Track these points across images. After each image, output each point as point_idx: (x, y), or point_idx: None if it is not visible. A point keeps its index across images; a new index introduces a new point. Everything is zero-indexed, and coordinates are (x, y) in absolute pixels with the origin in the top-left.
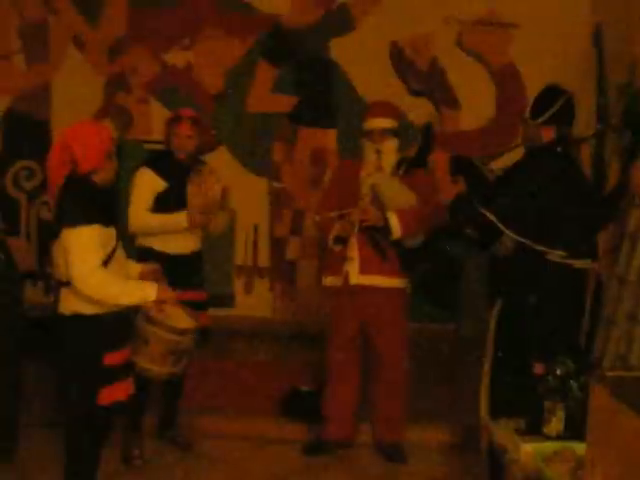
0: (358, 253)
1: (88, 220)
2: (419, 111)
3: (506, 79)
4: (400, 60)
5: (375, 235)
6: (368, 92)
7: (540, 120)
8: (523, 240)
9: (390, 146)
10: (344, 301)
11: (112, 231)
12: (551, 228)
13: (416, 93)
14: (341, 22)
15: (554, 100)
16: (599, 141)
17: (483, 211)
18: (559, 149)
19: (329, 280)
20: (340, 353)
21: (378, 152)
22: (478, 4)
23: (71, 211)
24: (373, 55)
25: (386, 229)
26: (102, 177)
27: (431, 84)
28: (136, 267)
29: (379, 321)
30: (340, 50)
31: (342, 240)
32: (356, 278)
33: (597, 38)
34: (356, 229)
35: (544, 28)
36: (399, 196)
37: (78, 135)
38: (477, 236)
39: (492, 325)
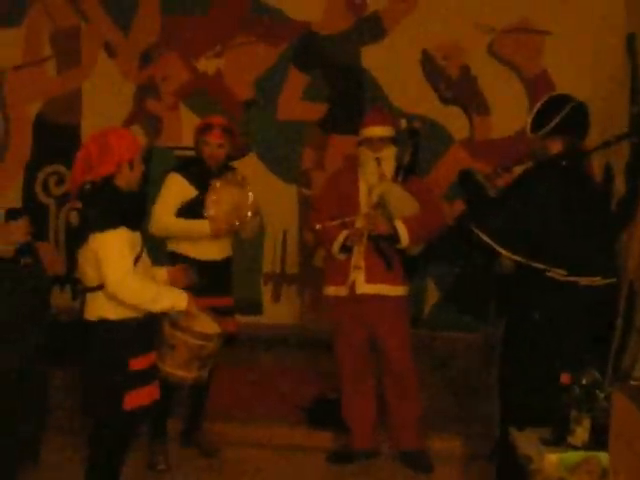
0: (364, 262)
1: (114, 224)
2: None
3: (538, 87)
4: (431, 68)
5: (381, 243)
6: (399, 100)
7: (541, 132)
8: (519, 259)
9: (389, 154)
10: (349, 310)
11: (138, 235)
12: (550, 245)
13: (447, 101)
14: (372, 29)
15: (557, 110)
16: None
17: (476, 231)
18: (564, 162)
19: (332, 290)
20: (349, 363)
21: (378, 160)
22: (510, 12)
23: (96, 217)
24: (404, 63)
25: (394, 237)
26: (124, 182)
27: (462, 92)
28: (161, 272)
29: (385, 327)
30: (371, 57)
31: (347, 249)
32: (362, 287)
33: (631, 48)
34: (365, 238)
35: (577, 37)
36: (405, 204)
37: (98, 139)
38: (478, 254)
39: (498, 340)
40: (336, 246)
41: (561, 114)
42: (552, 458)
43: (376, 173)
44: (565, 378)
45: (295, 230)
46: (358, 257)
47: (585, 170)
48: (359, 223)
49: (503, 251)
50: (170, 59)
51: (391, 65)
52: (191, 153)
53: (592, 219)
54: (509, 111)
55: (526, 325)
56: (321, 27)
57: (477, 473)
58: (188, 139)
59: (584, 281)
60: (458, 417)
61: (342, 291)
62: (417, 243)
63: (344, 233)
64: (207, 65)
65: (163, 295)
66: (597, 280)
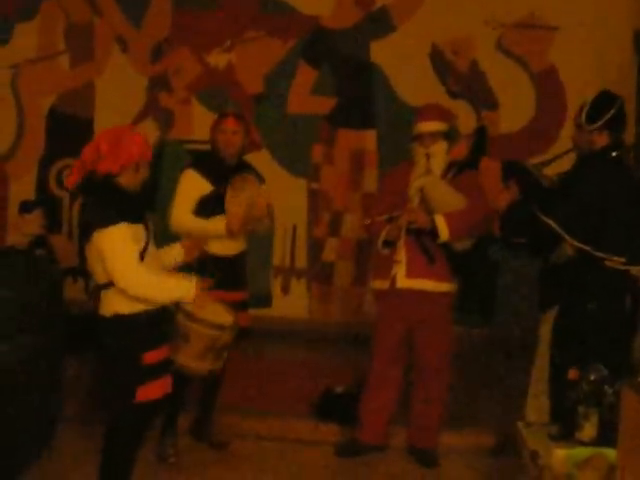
0: (405, 256)
1: (113, 220)
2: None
3: (546, 82)
4: (440, 62)
5: (422, 238)
6: (408, 94)
7: (596, 125)
8: (584, 247)
9: (439, 149)
10: (391, 305)
11: (141, 228)
12: (610, 234)
13: (455, 95)
14: (381, 24)
15: (610, 105)
16: None
17: (544, 218)
18: (614, 154)
19: (377, 283)
20: (383, 356)
21: (427, 155)
22: (519, 7)
23: (96, 213)
24: (413, 57)
25: (433, 232)
26: (126, 182)
27: (471, 86)
28: (168, 253)
29: (425, 326)
30: (380, 52)
31: (390, 243)
32: (403, 281)
33: (638, 44)
34: (403, 232)
35: (585, 32)
36: (447, 199)
37: (110, 137)
38: (530, 243)
39: (545, 332)
40: (380, 241)
41: (613, 109)
42: (560, 454)
43: (424, 168)
44: (573, 374)
45: (304, 224)
46: (399, 251)
47: (629, 163)
48: (402, 217)
49: (569, 239)
50: (182, 53)
51: (400, 59)
52: (203, 147)
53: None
54: (517, 106)
55: (580, 314)
56: (330, 22)
57: (482, 468)
58: (200, 132)
59: (635, 270)
60: (463, 412)
61: (384, 285)
62: (458, 238)
63: (386, 228)
64: (218, 59)
65: (172, 285)
66: None
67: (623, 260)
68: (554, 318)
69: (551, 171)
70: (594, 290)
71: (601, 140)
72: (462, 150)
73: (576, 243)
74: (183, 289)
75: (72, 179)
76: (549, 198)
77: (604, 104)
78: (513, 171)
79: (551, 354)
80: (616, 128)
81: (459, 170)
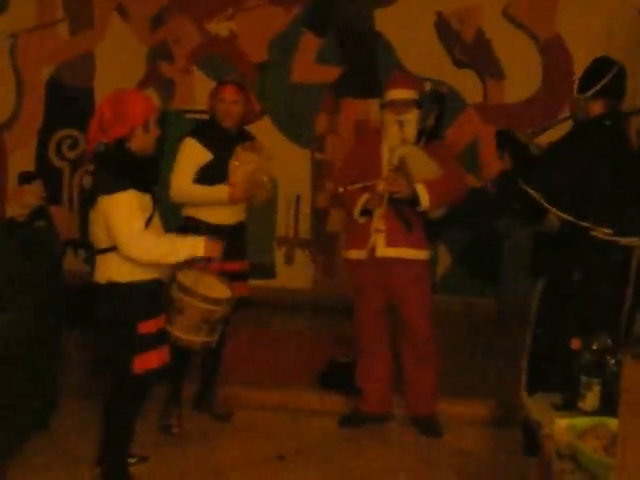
0: (385, 225)
1: (122, 186)
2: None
3: (552, 51)
4: (445, 31)
5: (400, 206)
6: (413, 63)
7: (589, 93)
8: (567, 217)
9: (412, 117)
10: (369, 274)
11: (148, 198)
12: (597, 205)
13: (461, 64)
14: None
15: (604, 73)
16: None
17: (526, 188)
18: (608, 123)
19: (353, 253)
20: (368, 326)
21: (400, 123)
22: None
23: (105, 179)
24: (418, 25)
25: (414, 201)
26: (139, 145)
27: (476, 55)
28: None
29: (405, 292)
30: (385, 20)
31: (368, 212)
32: (383, 250)
33: None
34: (385, 200)
35: (591, 1)
36: (426, 167)
37: (111, 101)
38: (522, 212)
39: (535, 301)
40: (357, 209)
41: (607, 77)
42: (562, 423)
43: (398, 136)
44: (575, 343)
45: (308, 194)
46: (378, 220)
47: (625, 132)
48: (380, 186)
49: (552, 209)
50: (182, 22)
51: (405, 28)
52: (205, 116)
53: (635, 179)
54: (523, 75)
55: (565, 284)
56: None
57: (486, 438)
58: (201, 102)
59: (625, 241)
60: (467, 383)
61: (362, 254)
62: (438, 207)
63: (365, 196)
64: (219, 28)
65: (179, 245)
66: (635, 241)
67: (610, 231)
68: (541, 288)
69: (548, 139)
70: (580, 260)
71: (596, 108)
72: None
73: (559, 213)
74: (191, 246)
75: (88, 153)
76: (535, 167)
77: (598, 71)
78: (504, 140)
79: (533, 324)
80: (612, 96)
81: (428, 139)
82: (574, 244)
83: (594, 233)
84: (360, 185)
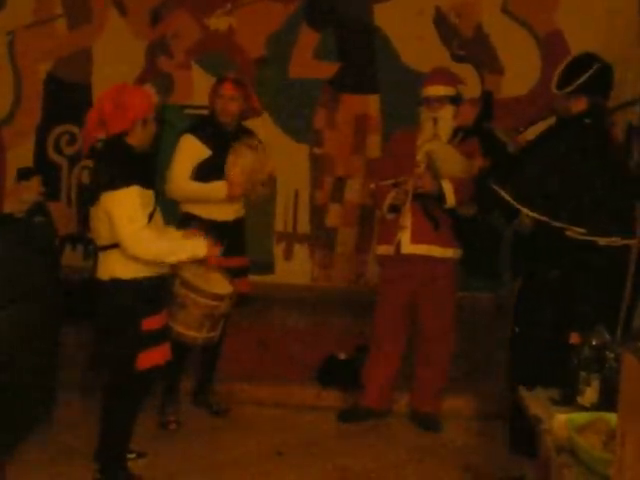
0: (411, 222)
1: (126, 182)
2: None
3: (551, 46)
4: (444, 26)
5: (428, 203)
6: (411, 58)
7: (567, 90)
8: (539, 217)
9: (446, 114)
10: (395, 269)
11: (150, 194)
12: (569, 204)
13: (459, 59)
14: None
15: (584, 69)
16: None
17: (496, 188)
18: (588, 120)
19: (381, 249)
20: (386, 324)
21: (434, 120)
22: None
23: (108, 175)
24: (416, 20)
25: (440, 197)
26: (137, 140)
27: (475, 50)
28: (174, 233)
29: (429, 291)
30: (383, 15)
31: (396, 208)
32: (407, 247)
33: None
34: (410, 197)
35: None
36: (455, 164)
37: (112, 95)
38: (500, 211)
39: (513, 300)
40: (385, 206)
41: (587, 73)
42: (561, 418)
43: (432, 132)
44: (575, 338)
45: (306, 190)
46: (405, 217)
47: (607, 130)
48: (409, 183)
49: (522, 209)
50: (180, 17)
51: (403, 23)
52: (203, 112)
53: (613, 179)
54: (521, 70)
55: (542, 284)
56: None
57: (485, 433)
58: (200, 97)
59: (603, 241)
60: (467, 377)
61: (390, 250)
62: (465, 204)
63: (392, 193)
64: (218, 23)
65: (181, 245)
66: (616, 240)
67: (584, 231)
68: (518, 287)
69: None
70: (555, 260)
71: (578, 105)
72: (469, 116)
73: (530, 213)
74: (194, 246)
75: (85, 149)
76: (509, 165)
77: (578, 68)
78: (483, 137)
79: (513, 319)
80: (594, 93)
81: (465, 136)
82: (549, 244)
83: (568, 233)
84: (391, 181)
